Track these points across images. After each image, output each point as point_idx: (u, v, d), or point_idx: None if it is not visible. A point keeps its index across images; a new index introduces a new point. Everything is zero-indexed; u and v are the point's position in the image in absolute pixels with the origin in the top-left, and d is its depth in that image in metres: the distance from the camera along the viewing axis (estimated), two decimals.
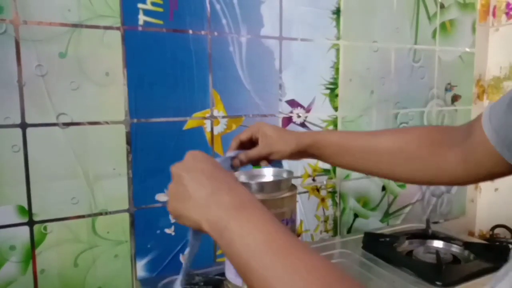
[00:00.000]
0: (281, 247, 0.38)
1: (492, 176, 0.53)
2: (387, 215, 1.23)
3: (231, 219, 0.41)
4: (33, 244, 0.77)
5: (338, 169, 1.11)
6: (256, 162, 0.71)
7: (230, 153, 0.68)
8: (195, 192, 0.45)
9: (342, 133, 0.74)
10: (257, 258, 0.38)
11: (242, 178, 0.67)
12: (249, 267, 0.38)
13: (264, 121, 0.98)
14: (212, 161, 0.51)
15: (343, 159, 0.68)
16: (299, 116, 1.04)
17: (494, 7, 1.36)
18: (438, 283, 0.80)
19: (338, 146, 0.68)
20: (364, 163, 0.66)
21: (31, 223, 0.76)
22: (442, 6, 1.25)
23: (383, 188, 1.21)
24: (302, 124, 1.05)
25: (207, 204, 0.43)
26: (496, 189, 1.38)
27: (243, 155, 0.68)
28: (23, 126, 0.74)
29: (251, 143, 0.72)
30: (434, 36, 1.25)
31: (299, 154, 0.70)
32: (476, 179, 0.59)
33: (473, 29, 1.33)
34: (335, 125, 1.10)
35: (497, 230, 1.26)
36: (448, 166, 0.57)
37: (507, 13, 1.33)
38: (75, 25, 0.77)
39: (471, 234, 1.42)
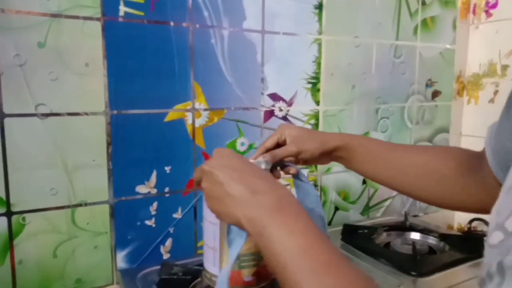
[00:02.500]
0: (319, 256, 0.38)
1: None
2: (367, 208, 1.25)
3: (270, 219, 0.41)
4: (11, 235, 0.77)
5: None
6: (284, 164, 0.66)
7: (254, 161, 0.63)
8: (233, 190, 0.44)
9: (374, 140, 0.69)
10: (295, 263, 0.38)
11: None
12: (286, 271, 0.38)
13: (246, 114, 0.99)
14: (243, 157, 0.50)
15: (373, 167, 0.65)
16: (281, 110, 1.05)
17: (474, 5, 1.38)
18: (413, 273, 0.82)
19: (370, 152, 0.65)
20: (393, 175, 0.63)
21: (9, 214, 0.76)
22: (423, 3, 1.27)
23: (364, 182, 1.22)
24: (284, 118, 1.05)
25: (246, 202, 0.43)
26: None
27: (269, 155, 0.63)
28: (1, 116, 0.74)
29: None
30: (415, 32, 1.27)
31: (327, 154, 0.66)
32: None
33: (454, 26, 1.36)
34: (317, 119, 1.11)
35: (474, 223, 1.29)
36: (474, 191, 0.55)
37: (486, 11, 1.35)
38: (54, 15, 0.76)
39: (450, 227, 1.45)
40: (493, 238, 0.32)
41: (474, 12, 1.39)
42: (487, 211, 0.49)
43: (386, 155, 0.64)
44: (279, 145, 0.66)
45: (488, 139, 0.50)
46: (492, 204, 0.45)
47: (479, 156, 0.55)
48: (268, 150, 0.65)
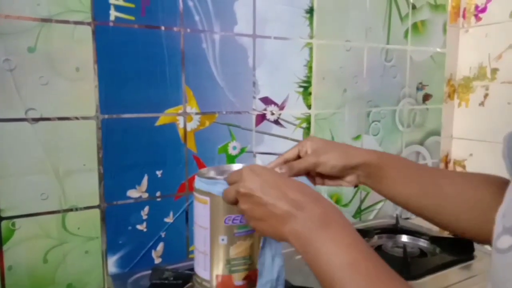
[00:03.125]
0: (368, 270, 0.39)
1: None
2: (359, 211, 1.25)
3: (316, 235, 0.42)
4: (0, 240, 0.76)
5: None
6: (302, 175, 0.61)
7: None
8: (277, 210, 0.45)
9: (406, 159, 0.62)
10: (343, 279, 0.39)
11: (211, 173, 0.68)
12: (334, 286, 0.39)
13: (237, 118, 0.99)
14: (276, 172, 0.50)
15: (407, 192, 0.57)
16: (272, 114, 1.05)
17: (464, 9, 1.40)
18: (404, 276, 0.82)
19: (400, 171, 0.59)
20: (430, 203, 0.56)
21: None
22: (414, 7, 1.28)
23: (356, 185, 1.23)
24: (276, 122, 1.06)
25: (292, 219, 0.44)
26: None
27: (286, 167, 0.59)
28: None
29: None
30: (406, 36, 1.28)
31: (351, 170, 0.60)
32: None
33: (444, 30, 1.37)
34: (309, 123, 1.11)
35: None
36: None
37: (476, 15, 1.37)
38: (44, 20, 0.76)
39: (442, 230, 1.46)
40: (502, 242, 0.31)
41: (464, 16, 1.40)
42: None
43: (417, 175, 0.58)
44: (299, 158, 0.62)
45: (507, 150, 0.46)
46: None
47: None
48: (286, 162, 0.61)
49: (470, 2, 1.38)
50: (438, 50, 1.37)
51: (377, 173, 0.59)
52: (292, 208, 0.44)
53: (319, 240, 0.41)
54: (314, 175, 0.63)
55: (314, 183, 0.64)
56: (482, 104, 1.36)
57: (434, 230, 1.14)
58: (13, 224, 0.77)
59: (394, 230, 1.09)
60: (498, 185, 0.54)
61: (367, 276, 0.39)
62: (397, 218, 1.12)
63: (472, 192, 0.55)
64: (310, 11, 1.08)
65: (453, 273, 0.87)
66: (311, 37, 1.09)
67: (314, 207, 0.44)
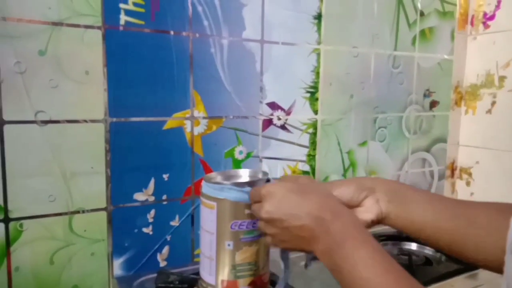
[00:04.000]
0: (396, 279, 0.42)
1: None
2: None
3: (339, 252, 0.44)
4: (8, 241, 0.77)
5: (317, 171, 1.13)
6: None
7: None
8: (301, 232, 0.47)
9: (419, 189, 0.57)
10: None
11: (218, 178, 0.68)
12: None
13: (244, 122, 0.99)
14: (295, 187, 0.50)
15: (432, 213, 0.51)
16: (279, 119, 1.05)
17: (472, 16, 1.40)
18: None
19: (422, 194, 0.54)
20: (457, 225, 0.49)
21: (6, 220, 0.76)
22: (422, 14, 1.28)
23: None
24: (283, 127, 1.06)
25: (315, 240, 0.46)
26: (471, 194, 1.42)
27: None
28: (1, 123, 0.74)
29: None
30: (413, 43, 1.28)
31: (367, 193, 0.54)
32: None
33: (452, 37, 1.37)
34: (315, 128, 1.11)
35: None
36: None
37: (484, 23, 1.36)
38: (55, 23, 0.77)
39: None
40: None
41: (472, 23, 1.40)
42: None
43: (449, 203, 0.53)
44: None
45: None
46: None
47: None
48: None
49: (479, 9, 1.38)
50: (446, 57, 1.36)
51: (399, 194, 0.53)
52: (315, 228, 0.46)
53: (341, 258, 0.44)
54: None
55: None
56: (489, 111, 1.35)
57: None
58: (21, 226, 0.77)
59: (399, 237, 1.08)
60: None
61: (397, 283, 0.41)
62: None
63: (504, 218, 0.47)
64: (318, 17, 1.08)
65: (459, 282, 0.87)
66: (319, 43, 1.09)
67: (334, 224, 0.46)
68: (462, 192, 1.45)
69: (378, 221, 0.54)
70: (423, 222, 0.51)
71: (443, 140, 1.40)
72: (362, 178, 0.59)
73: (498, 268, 0.47)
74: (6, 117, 0.74)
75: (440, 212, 0.51)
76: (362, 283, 0.42)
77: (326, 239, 0.46)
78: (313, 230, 0.46)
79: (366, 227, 0.51)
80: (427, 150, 1.37)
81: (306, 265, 0.57)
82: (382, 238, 1.06)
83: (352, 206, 0.54)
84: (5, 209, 0.76)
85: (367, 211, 0.53)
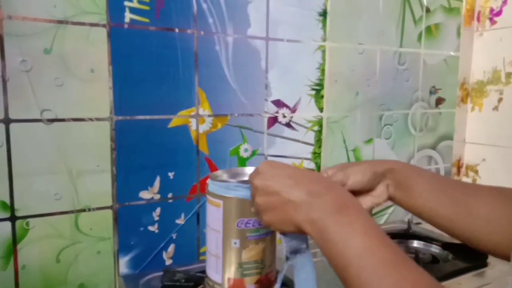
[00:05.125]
0: (383, 255, 0.39)
1: None
2: (370, 215, 1.24)
3: (331, 221, 0.42)
4: (15, 239, 0.77)
5: (322, 169, 1.13)
6: None
7: None
8: (291, 196, 0.45)
9: (428, 170, 0.62)
10: (358, 263, 0.39)
11: (224, 176, 0.68)
12: (349, 271, 0.39)
13: (249, 120, 0.99)
14: (292, 165, 0.51)
15: (432, 200, 0.55)
16: (284, 116, 1.05)
17: (479, 12, 1.38)
18: None
19: (429, 180, 0.57)
20: (456, 212, 0.53)
21: (13, 218, 0.76)
22: (427, 10, 1.27)
23: None
24: (288, 124, 1.06)
25: (306, 205, 0.44)
26: None
27: None
28: (7, 121, 0.74)
29: None
30: (419, 39, 1.27)
31: (379, 179, 0.59)
32: None
33: (458, 34, 1.36)
34: (320, 126, 1.11)
35: None
36: None
37: (490, 19, 1.35)
38: (60, 21, 0.77)
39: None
40: None
41: (478, 20, 1.39)
42: None
43: (452, 191, 0.56)
44: None
45: None
46: None
47: None
48: None
49: (485, 5, 1.36)
50: (452, 53, 1.35)
51: (406, 181, 0.57)
52: (307, 196, 0.44)
53: (335, 226, 0.41)
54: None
55: None
56: (496, 108, 1.34)
57: (446, 236, 1.13)
58: (27, 224, 0.78)
59: (406, 235, 1.08)
60: None
61: (384, 261, 0.38)
62: (408, 223, 1.11)
63: (506, 208, 0.52)
64: (323, 13, 1.08)
65: (466, 280, 0.86)
66: (324, 39, 1.09)
67: (329, 194, 0.44)
68: None
69: (386, 201, 0.60)
70: (423, 208, 0.57)
71: (449, 137, 1.39)
72: (375, 165, 0.60)
73: (501, 255, 0.52)
74: (12, 115, 0.75)
75: (441, 201, 0.55)
76: (356, 252, 0.39)
77: (317, 207, 0.43)
78: (304, 197, 0.44)
79: (375, 207, 0.60)
80: (433, 147, 1.36)
81: (287, 258, 0.53)
82: (389, 236, 1.06)
83: (365, 191, 0.59)
84: (12, 208, 0.76)
85: (378, 196, 0.60)
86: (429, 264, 0.93)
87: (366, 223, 0.42)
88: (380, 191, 0.59)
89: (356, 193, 0.59)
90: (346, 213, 0.42)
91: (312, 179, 0.47)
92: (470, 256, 0.93)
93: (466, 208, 0.53)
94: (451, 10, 1.33)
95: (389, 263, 0.38)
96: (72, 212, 0.81)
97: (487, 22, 1.36)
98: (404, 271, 0.38)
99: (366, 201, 0.60)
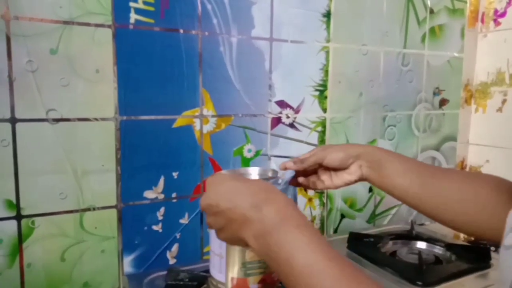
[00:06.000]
0: (332, 272, 0.39)
1: None
2: (373, 216, 1.24)
3: (275, 237, 0.41)
4: (21, 238, 0.78)
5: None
6: (309, 173, 0.67)
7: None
8: (234, 215, 0.45)
9: (402, 155, 0.65)
10: (306, 282, 0.39)
11: None
12: (295, 277, 0.39)
13: (253, 121, 1.00)
14: (235, 176, 0.50)
15: (404, 179, 0.59)
16: (288, 117, 1.05)
17: (483, 14, 1.38)
18: (418, 282, 0.82)
19: (401, 162, 0.61)
20: (425, 192, 0.58)
21: (18, 217, 0.77)
22: (431, 11, 1.27)
23: (370, 190, 1.22)
24: (291, 125, 1.06)
25: (248, 223, 0.44)
26: None
27: (298, 160, 0.64)
28: (13, 121, 0.75)
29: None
30: (423, 40, 1.27)
31: (353, 159, 0.64)
32: None
33: (462, 35, 1.36)
34: (324, 126, 1.11)
35: None
36: None
37: (495, 20, 1.35)
38: (66, 22, 0.78)
39: (457, 237, 1.44)
40: (509, 239, 0.33)
41: (482, 21, 1.39)
42: None
43: (423, 172, 0.60)
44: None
45: None
46: None
47: None
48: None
49: (489, 6, 1.36)
50: (456, 54, 1.35)
51: (378, 162, 0.62)
52: (248, 211, 0.44)
53: (277, 243, 0.41)
54: (321, 174, 0.67)
55: (324, 185, 0.66)
56: (499, 110, 1.34)
57: (449, 236, 1.13)
58: (33, 223, 0.78)
59: (409, 236, 1.08)
60: (498, 186, 0.55)
61: (332, 277, 0.38)
62: (412, 224, 1.11)
63: (471, 190, 0.56)
64: (327, 15, 1.08)
65: (469, 281, 0.86)
66: (328, 40, 1.09)
67: (269, 207, 0.43)
68: None
69: (360, 180, 0.65)
70: (395, 187, 0.61)
71: (453, 138, 1.39)
72: (352, 146, 0.66)
73: (465, 232, 0.59)
74: (18, 115, 0.75)
75: (412, 181, 0.59)
76: (302, 270, 0.39)
77: (259, 222, 0.43)
78: (245, 213, 0.44)
79: (349, 184, 0.65)
80: (437, 148, 1.36)
81: None
82: (391, 236, 1.06)
83: (339, 169, 0.65)
84: (18, 206, 0.77)
85: (351, 174, 0.64)
86: (432, 265, 0.93)
87: (310, 237, 0.41)
88: (354, 170, 0.64)
89: (332, 170, 0.66)
90: (287, 228, 0.42)
91: (253, 191, 0.46)
92: (474, 257, 0.93)
93: (435, 189, 0.58)
94: (455, 11, 1.33)
95: (337, 278, 0.38)
96: (77, 211, 0.82)
97: (491, 23, 1.36)
98: (354, 285, 0.38)
99: (340, 177, 0.65)
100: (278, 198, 0.45)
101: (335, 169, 0.65)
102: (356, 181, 0.65)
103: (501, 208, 0.52)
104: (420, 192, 0.59)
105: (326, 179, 0.66)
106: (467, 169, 1.44)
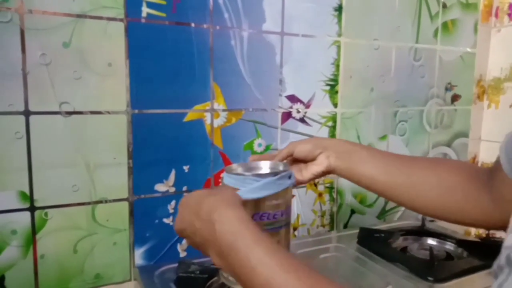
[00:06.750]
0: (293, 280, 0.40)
1: None
2: (383, 212, 1.24)
3: (232, 250, 0.43)
4: (34, 229, 0.79)
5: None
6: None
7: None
8: (196, 237, 0.48)
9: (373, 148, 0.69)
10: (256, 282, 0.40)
11: (239, 170, 0.68)
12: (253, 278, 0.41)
13: (263, 115, 1.00)
14: (198, 195, 0.52)
15: (370, 167, 0.62)
16: (298, 112, 1.05)
17: (497, 8, 1.36)
18: (429, 278, 0.82)
19: (369, 152, 0.64)
20: (391, 179, 0.60)
21: (32, 209, 0.78)
22: (444, 6, 1.26)
23: None
24: (302, 120, 1.06)
25: (208, 240, 0.46)
26: None
27: (269, 155, 0.70)
28: (26, 113, 0.76)
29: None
30: (435, 35, 1.26)
31: (321, 151, 0.66)
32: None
33: (475, 30, 1.34)
34: (334, 121, 1.11)
35: (493, 230, 1.27)
36: (483, 204, 0.54)
37: (509, 14, 1.33)
38: (79, 16, 0.78)
39: (468, 233, 1.43)
40: (507, 241, 0.33)
41: (496, 15, 1.37)
42: (502, 227, 0.50)
43: (390, 159, 0.62)
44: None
45: (505, 147, 0.49)
46: (505, 218, 0.46)
47: (489, 171, 0.55)
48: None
49: (504, 0, 1.34)
50: (468, 50, 1.34)
51: (346, 153, 0.64)
52: (204, 231, 0.46)
53: (241, 262, 0.42)
54: (292, 168, 0.68)
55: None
56: None
57: (460, 233, 1.13)
58: (46, 214, 0.79)
59: (420, 232, 1.07)
60: (472, 172, 0.57)
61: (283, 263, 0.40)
62: (423, 220, 1.10)
63: (436, 176, 0.58)
64: (339, 9, 1.07)
65: (481, 278, 0.85)
66: (339, 35, 1.08)
67: (221, 226, 0.45)
68: None
69: (328, 172, 0.66)
70: (362, 176, 0.63)
71: (464, 134, 1.38)
72: (320, 139, 0.69)
73: (434, 216, 0.61)
74: (31, 107, 0.76)
75: (379, 171, 0.61)
76: (263, 284, 0.40)
77: (216, 241, 0.44)
78: (203, 234, 0.46)
79: (318, 177, 0.67)
80: (448, 145, 1.35)
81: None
82: (402, 232, 1.05)
83: (307, 160, 0.67)
84: (31, 198, 0.78)
85: (318, 164, 0.66)
86: (444, 260, 0.93)
87: (264, 250, 0.42)
88: (321, 161, 0.66)
89: (301, 161, 0.68)
90: (243, 245, 0.42)
91: (208, 207, 0.47)
92: (485, 253, 0.92)
93: (402, 176, 0.60)
94: (468, 6, 1.31)
95: (282, 270, 0.39)
96: (89, 203, 0.83)
97: (506, 18, 1.34)
98: (300, 270, 0.39)
99: (309, 169, 0.67)
100: (229, 215, 0.46)
101: (305, 162, 0.68)
102: (324, 173, 0.66)
103: (466, 191, 0.55)
104: (387, 180, 0.60)
105: (296, 172, 0.67)
106: (479, 165, 1.43)
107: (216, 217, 0.45)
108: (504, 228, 0.47)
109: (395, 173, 0.60)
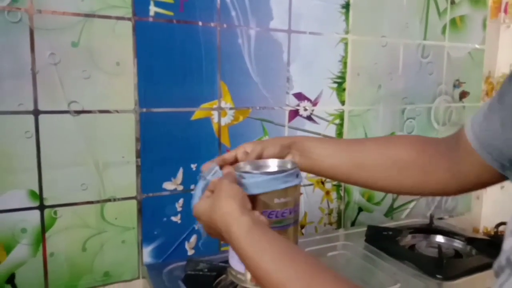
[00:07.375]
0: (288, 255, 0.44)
1: (481, 184, 0.54)
2: (391, 209, 1.23)
3: (245, 243, 0.47)
4: (44, 227, 0.79)
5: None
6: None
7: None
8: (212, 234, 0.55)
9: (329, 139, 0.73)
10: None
11: (248, 168, 0.68)
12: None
13: (270, 113, 0.99)
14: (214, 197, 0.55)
15: (324, 152, 0.65)
16: (305, 109, 1.05)
17: (506, 4, 1.35)
18: (438, 276, 0.81)
19: (324, 141, 0.68)
20: (352, 170, 0.64)
21: (42, 207, 0.79)
22: (452, 2, 1.25)
23: None
24: (309, 118, 1.05)
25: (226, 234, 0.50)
26: (502, 187, 1.38)
27: (219, 160, 0.66)
28: (36, 113, 0.77)
29: None
30: (443, 32, 1.25)
31: (287, 150, 0.67)
32: (466, 189, 0.57)
33: (484, 26, 1.33)
34: (342, 119, 1.10)
35: (501, 228, 1.26)
36: (439, 175, 0.57)
37: None
38: (87, 15, 0.79)
39: (476, 230, 1.42)
40: (506, 244, 0.33)
41: (505, 11, 1.35)
42: (459, 192, 0.57)
43: (343, 142, 0.67)
44: (236, 160, 0.68)
45: (471, 124, 0.50)
46: (471, 183, 0.54)
47: (449, 142, 0.57)
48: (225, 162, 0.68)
49: None
50: (477, 46, 1.32)
51: (307, 150, 0.66)
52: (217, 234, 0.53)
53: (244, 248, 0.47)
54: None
55: None
56: None
57: (469, 230, 1.12)
58: (55, 213, 0.80)
59: (428, 229, 1.07)
60: (423, 144, 0.59)
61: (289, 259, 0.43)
62: (431, 218, 1.10)
63: (386, 153, 0.61)
64: (346, 6, 1.07)
65: (490, 276, 0.84)
66: (347, 32, 1.08)
67: (231, 233, 0.49)
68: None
69: None
70: (324, 169, 0.66)
71: None
72: (283, 139, 0.70)
73: (391, 192, 0.71)
74: (41, 107, 0.77)
75: (339, 161, 0.64)
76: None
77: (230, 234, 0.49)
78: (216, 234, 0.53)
79: None
80: None
81: None
82: (410, 230, 1.05)
83: None
84: (41, 197, 0.78)
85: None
86: (452, 258, 0.92)
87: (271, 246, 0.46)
88: (287, 154, 0.68)
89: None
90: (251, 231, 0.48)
91: (209, 216, 0.53)
92: (494, 251, 0.91)
93: (357, 159, 0.63)
94: (477, 2, 1.30)
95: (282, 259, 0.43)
96: (98, 202, 0.83)
97: None
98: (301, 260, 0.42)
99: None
100: (241, 222, 0.49)
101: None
102: None
103: (421, 165, 0.57)
104: (348, 168, 0.64)
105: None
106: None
107: (225, 231, 0.50)
108: (461, 193, 0.57)
109: (352, 159, 0.64)
